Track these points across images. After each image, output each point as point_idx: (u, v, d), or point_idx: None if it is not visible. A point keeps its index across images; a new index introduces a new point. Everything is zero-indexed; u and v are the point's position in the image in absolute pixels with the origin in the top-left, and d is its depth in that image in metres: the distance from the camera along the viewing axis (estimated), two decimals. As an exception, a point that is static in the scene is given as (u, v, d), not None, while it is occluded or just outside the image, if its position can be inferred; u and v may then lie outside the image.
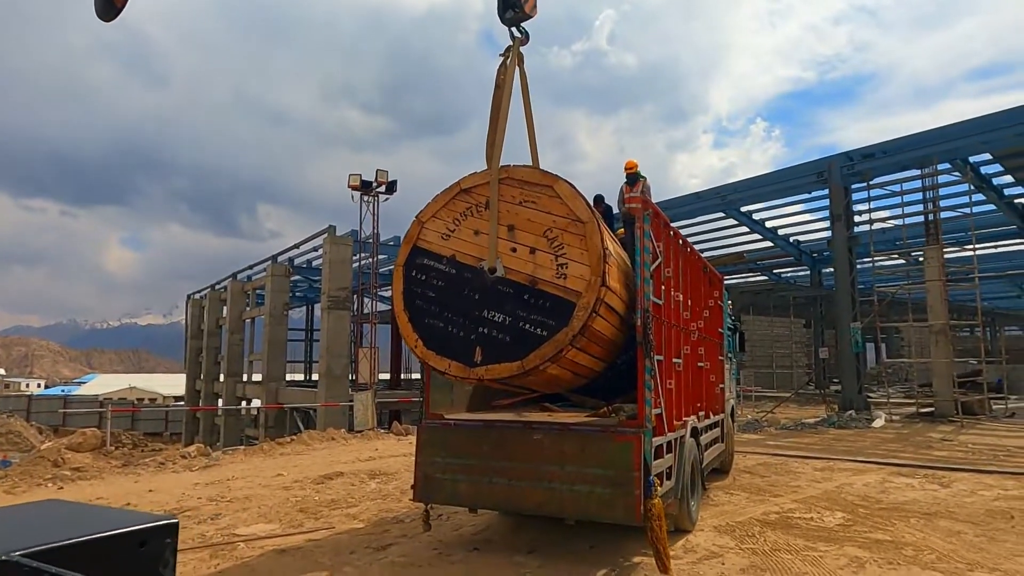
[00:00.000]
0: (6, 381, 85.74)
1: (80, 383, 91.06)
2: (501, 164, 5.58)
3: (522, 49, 5.93)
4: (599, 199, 9.56)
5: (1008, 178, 20.55)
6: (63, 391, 67.34)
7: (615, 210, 9.81)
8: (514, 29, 5.91)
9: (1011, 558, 5.48)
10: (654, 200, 9.81)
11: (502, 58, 5.87)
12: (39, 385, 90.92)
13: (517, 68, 5.88)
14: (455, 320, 5.35)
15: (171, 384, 67.65)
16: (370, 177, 23.81)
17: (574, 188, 5.32)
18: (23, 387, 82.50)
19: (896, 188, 18.62)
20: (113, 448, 11.63)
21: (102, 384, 79.49)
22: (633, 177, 9.16)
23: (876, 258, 18.59)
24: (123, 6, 4.26)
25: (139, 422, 39.45)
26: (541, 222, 5.27)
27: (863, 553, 5.59)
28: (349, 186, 23.47)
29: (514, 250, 5.29)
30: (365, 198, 23.97)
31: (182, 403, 43.74)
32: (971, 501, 7.68)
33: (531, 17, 5.92)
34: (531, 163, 5.89)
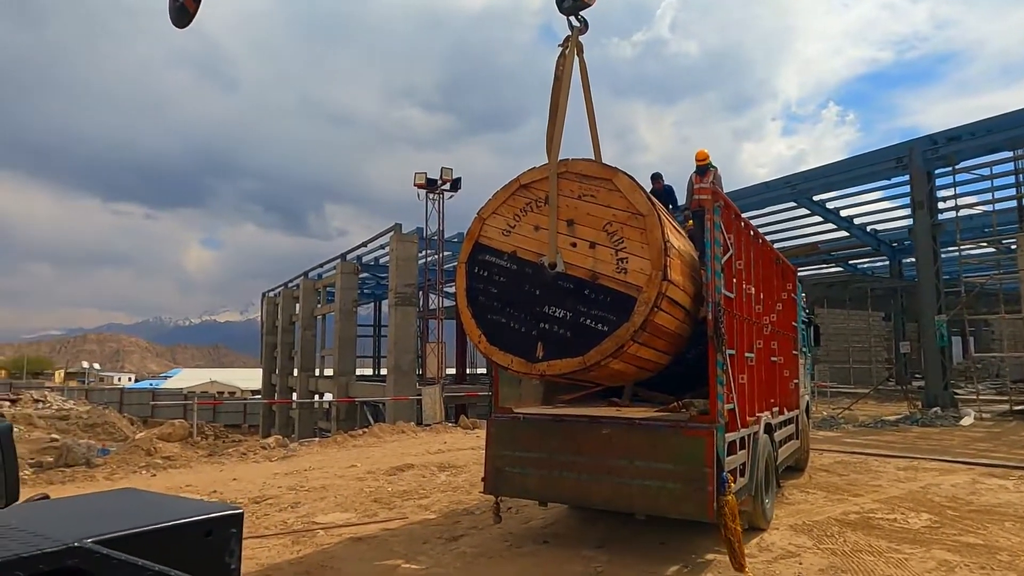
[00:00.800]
0: (101, 375, 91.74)
1: (166, 377, 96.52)
2: (561, 158, 5.51)
3: (581, 39, 5.82)
4: (656, 176, 9.40)
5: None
6: (151, 385, 71.63)
7: (680, 201, 9.63)
8: (572, 18, 5.82)
9: (1121, 566, 5.11)
10: (727, 191, 9.60)
11: (561, 48, 5.78)
12: (130, 379, 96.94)
13: (576, 59, 5.79)
14: (517, 316, 5.35)
15: (248, 378, 70.79)
16: (435, 175, 24.23)
17: (634, 181, 5.24)
18: (115, 381, 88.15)
19: (985, 172, 17.51)
20: (199, 438, 12.28)
21: (185, 378, 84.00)
22: (703, 168, 8.97)
23: (963, 246, 17.55)
24: (195, 12, 4.46)
25: (220, 414, 41.49)
26: (601, 216, 5.20)
27: (953, 557, 5.33)
28: (415, 184, 23.91)
29: (574, 245, 5.24)
30: (430, 196, 24.37)
31: (259, 396, 45.71)
32: (1074, 505, 7.19)
33: (590, 5, 5.82)
34: (593, 156, 5.81)
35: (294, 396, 34.81)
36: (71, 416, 20.58)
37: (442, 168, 24.15)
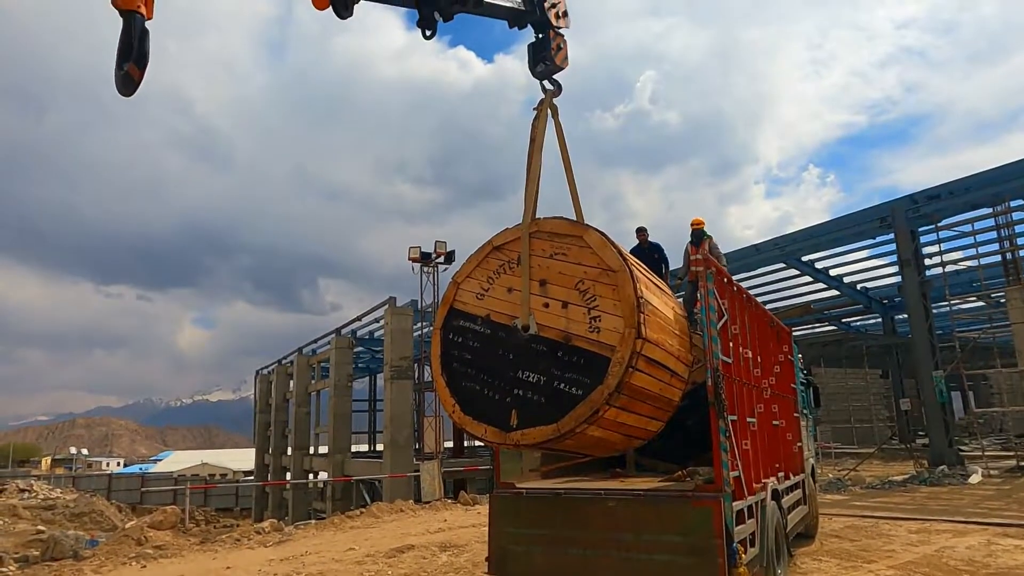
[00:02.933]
0: (89, 461, 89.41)
1: (156, 460, 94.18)
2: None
3: (556, 102, 5.91)
4: (641, 230, 9.51)
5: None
6: (140, 469, 69.76)
7: (669, 259, 9.69)
8: (546, 82, 5.98)
9: None
10: (722, 256, 9.71)
11: (536, 111, 5.87)
12: (119, 463, 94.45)
13: (551, 120, 5.88)
14: (490, 382, 5.18)
15: (240, 459, 69.17)
16: (429, 248, 24.57)
17: (605, 236, 5.14)
18: (104, 466, 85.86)
19: (967, 228, 17.88)
20: (191, 525, 11.90)
21: (176, 461, 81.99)
22: (698, 235, 9.10)
23: (953, 302, 17.74)
24: (140, 80, 4.45)
25: (211, 498, 40.27)
26: (572, 274, 5.08)
27: (975, 625, 5.15)
28: (409, 258, 24.22)
29: (547, 305, 5.10)
30: (425, 269, 24.62)
31: (251, 478, 44.52)
32: (1092, 564, 7.01)
33: (562, 69, 5.98)
34: (574, 216, 5.71)
35: (288, 476, 33.95)
36: (57, 505, 19.93)
37: (436, 242, 24.53)
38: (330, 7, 5.05)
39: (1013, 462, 16.57)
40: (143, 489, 40.59)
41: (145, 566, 9.10)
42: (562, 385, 4.85)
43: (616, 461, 7.10)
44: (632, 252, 9.18)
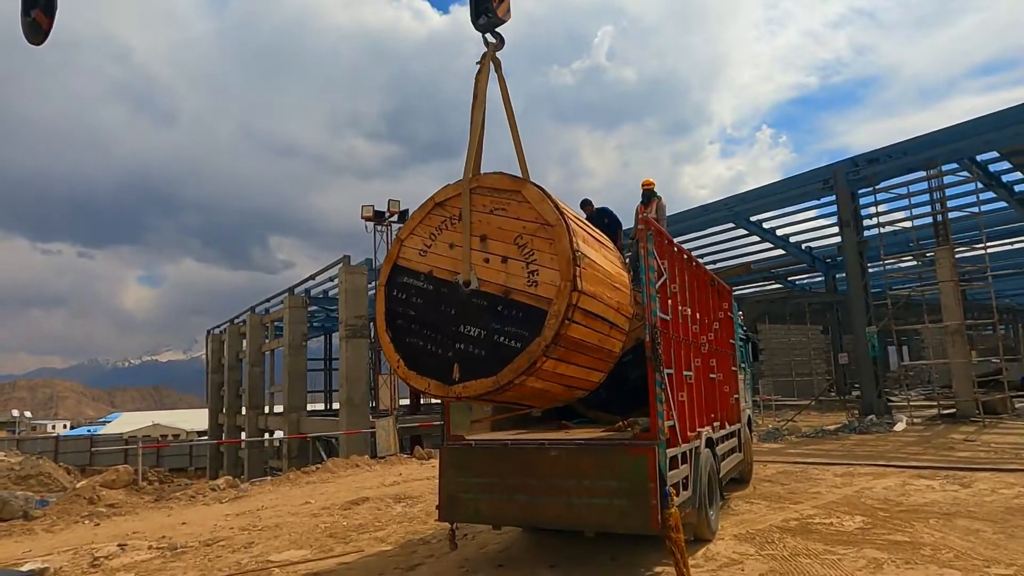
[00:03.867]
0: (33, 424, 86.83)
1: (105, 422, 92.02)
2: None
3: (499, 55, 5.80)
4: (586, 203, 9.72)
5: (1018, 175, 20.57)
6: (88, 431, 68.21)
7: (620, 218, 9.95)
8: (488, 35, 5.86)
9: (1028, 553, 5.56)
10: (668, 214, 10.03)
11: (478, 66, 5.77)
12: (65, 426, 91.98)
13: (495, 75, 5.80)
14: (434, 337, 5.25)
15: (193, 419, 68.31)
16: (382, 207, 24.38)
17: (543, 191, 5.20)
18: (49, 429, 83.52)
19: (903, 191, 18.70)
20: (145, 484, 11.91)
21: (126, 422, 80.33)
22: (648, 195, 9.38)
23: (887, 261, 18.64)
24: (50, 28, 4.29)
25: (164, 458, 39.88)
26: (512, 229, 5.14)
27: (881, 554, 5.69)
28: (363, 217, 24.02)
29: (487, 260, 5.16)
30: (378, 227, 24.47)
31: (206, 438, 44.19)
32: (991, 500, 7.73)
33: (504, 22, 5.88)
34: (520, 172, 5.71)
35: (243, 435, 33.86)
36: (1, 468, 19.50)
37: (389, 200, 24.37)
38: None
39: (935, 411, 17.76)
40: (92, 450, 39.86)
41: (98, 524, 9.14)
42: (501, 338, 4.96)
43: (562, 413, 7.45)
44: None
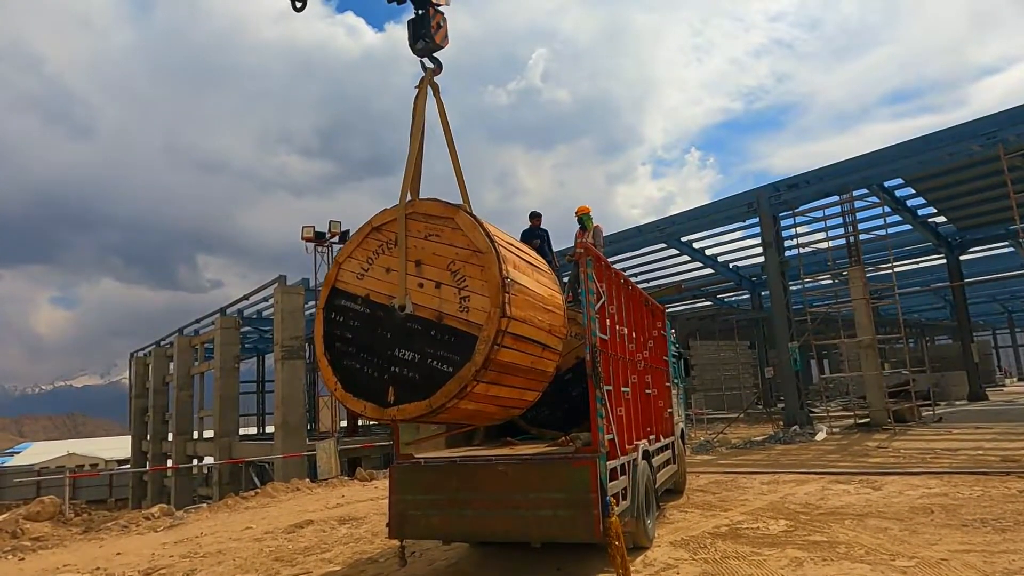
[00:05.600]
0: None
1: (13, 453, 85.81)
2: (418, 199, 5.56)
3: (437, 80, 5.96)
4: (534, 215, 10.19)
5: (922, 200, 22.40)
6: (-5, 463, 63.42)
7: (553, 242, 10.41)
8: (426, 60, 6.04)
9: (928, 547, 6.17)
10: (605, 234, 10.54)
11: (417, 91, 5.90)
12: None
13: (433, 99, 5.93)
14: (370, 360, 5.34)
15: (113, 447, 64.49)
16: (318, 226, 24.25)
17: (474, 218, 5.34)
18: (-51, 462, 77.10)
19: (819, 214, 20.03)
20: (72, 515, 11.39)
21: (38, 452, 75.03)
22: (584, 221, 9.89)
23: (807, 280, 19.84)
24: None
25: (80, 489, 37.62)
26: (445, 255, 5.27)
27: (802, 554, 6.18)
28: (303, 238, 23.81)
29: (421, 285, 5.28)
30: (319, 248, 24.26)
31: (128, 466, 41.98)
32: (898, 501, 8.44)
33: (442, 47, 6.06)
34: (459, 193, 5.86)
35: (169, 463, 32.44)
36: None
37: (330, 221, 24.32)
38: None
39: (852, 420, 18.95)
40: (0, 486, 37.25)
41: (23, 558, 8.73)
42: (434, 362, 5.09)
43: (507, 430, 7.72)
44: (523, 234, 9.81)
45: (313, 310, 26.25)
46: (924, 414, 18.76)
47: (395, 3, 6.19)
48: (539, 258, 6.39)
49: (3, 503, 30.65)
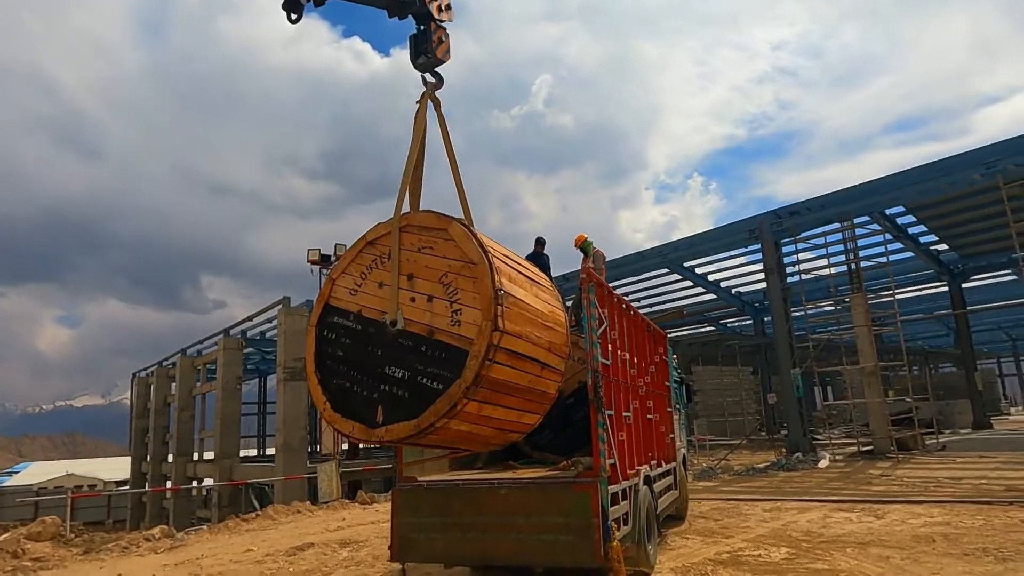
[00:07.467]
0: (-72, 476, 79.65)
1: (11, 472, 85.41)
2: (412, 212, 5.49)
3: (441, 96, 5.95)
4: (539, 241, 10.34)
5: (923, 227, 22.52)
6: (-6, 483, 63.12)
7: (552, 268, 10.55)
8: (427, 75, 6.09)
9: (930, 576, 6.16)
10: (608, 259, 10.71)
11: (418, 105, 5.87)
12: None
13: (435, 114, 5.91)
14: (360, 379, 5.14)
15: (112, 468, 64.15)
16: (322, 248, 24.36)
17: (468, 229, 5.19)
18: (-53, 481, 76.72)
19: (821, 241, 20.15)
20: (73, 536, 11.38)
21: (36, 473, 74.67)
22: (584, 248, 10.08)
23: (809, 306, 19.89)
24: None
25: (78, 510, 37.33)
26: (438, 268, 5.10)
27: (803, 581, 6.17)
28: (309, 261, 23.93)
29: (413, 299, 5.09)
30: (324, 271, 24.38)
31: (127, 487, 41.72)
32: (900, 529, 8.42)
33: (444, 62, 6.11)
34: (461, 211, 5.72)
35: (168, 484, 32.27)
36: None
37: (335, 244, 24.36)
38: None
39: (855, 448, 18.85)
40: (-1, 504, 37.01)
41: (24, 579, 8.74)
42: (424, 380, 4.84)
43: (509, 454, 7.75)
44: (526, 258, 9.94)
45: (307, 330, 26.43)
46: (928, 442, 18.65)
47: (397, 19, 6.25)
48: (541, 274, 6.29)
49: (1, 523, 30.45)
